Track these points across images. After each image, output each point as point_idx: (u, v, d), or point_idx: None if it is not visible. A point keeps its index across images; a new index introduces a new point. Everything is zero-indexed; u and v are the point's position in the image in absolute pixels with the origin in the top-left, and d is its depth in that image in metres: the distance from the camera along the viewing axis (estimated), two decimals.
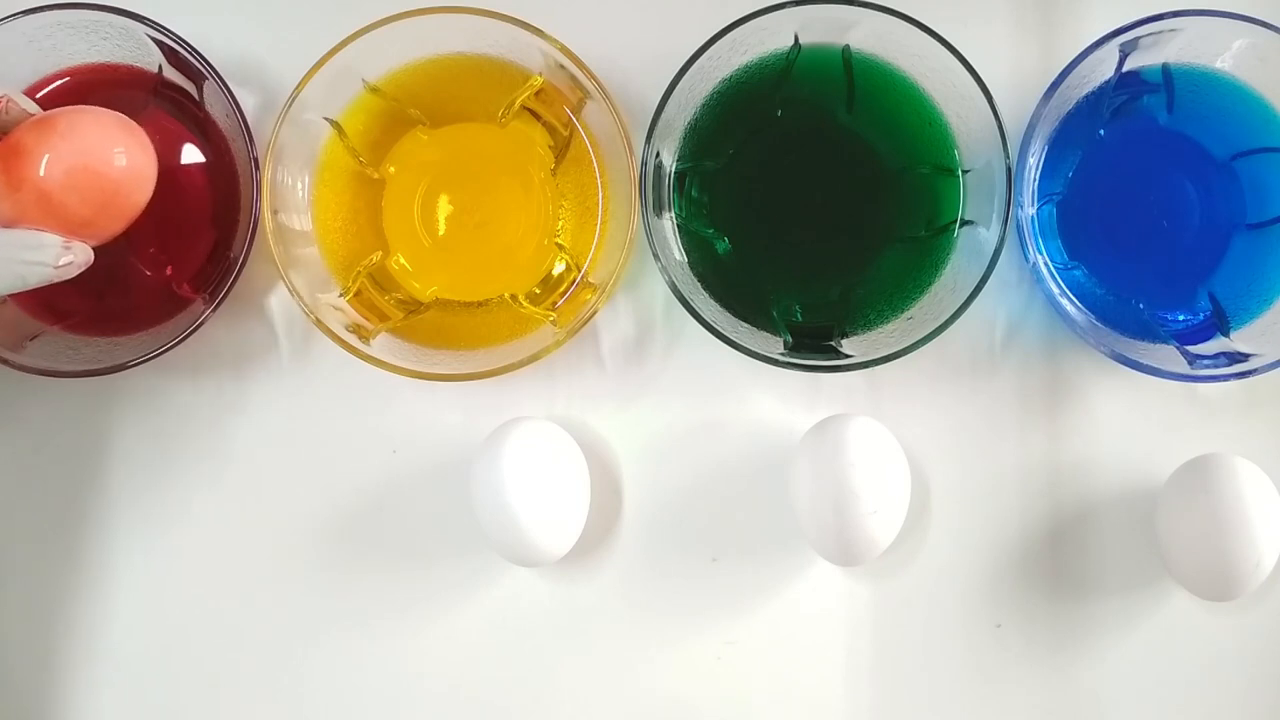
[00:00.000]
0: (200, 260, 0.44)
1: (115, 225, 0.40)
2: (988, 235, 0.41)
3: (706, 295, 0.44)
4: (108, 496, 0.45)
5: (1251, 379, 0.42)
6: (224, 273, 0.43)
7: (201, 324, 0.42)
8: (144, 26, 0.42)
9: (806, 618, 0.45)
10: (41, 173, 0.38)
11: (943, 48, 0.41)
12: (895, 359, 0.41)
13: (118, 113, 0.40)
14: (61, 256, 0.39)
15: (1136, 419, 0.45)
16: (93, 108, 0.40)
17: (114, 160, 0.39)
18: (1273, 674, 0.45)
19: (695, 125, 0.44)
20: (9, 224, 0.38)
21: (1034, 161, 0.44)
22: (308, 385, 0.46)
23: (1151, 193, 0.44)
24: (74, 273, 0.39)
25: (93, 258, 0.40)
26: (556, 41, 0.42)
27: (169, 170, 0.44)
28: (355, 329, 0.43)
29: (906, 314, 0.44)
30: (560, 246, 0.45)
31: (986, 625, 0.45)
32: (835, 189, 0.44)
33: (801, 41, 0.43)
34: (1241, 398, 0.45)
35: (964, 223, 0.43)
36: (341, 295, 0.44)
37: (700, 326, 0.41)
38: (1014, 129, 0.42)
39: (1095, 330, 0.43)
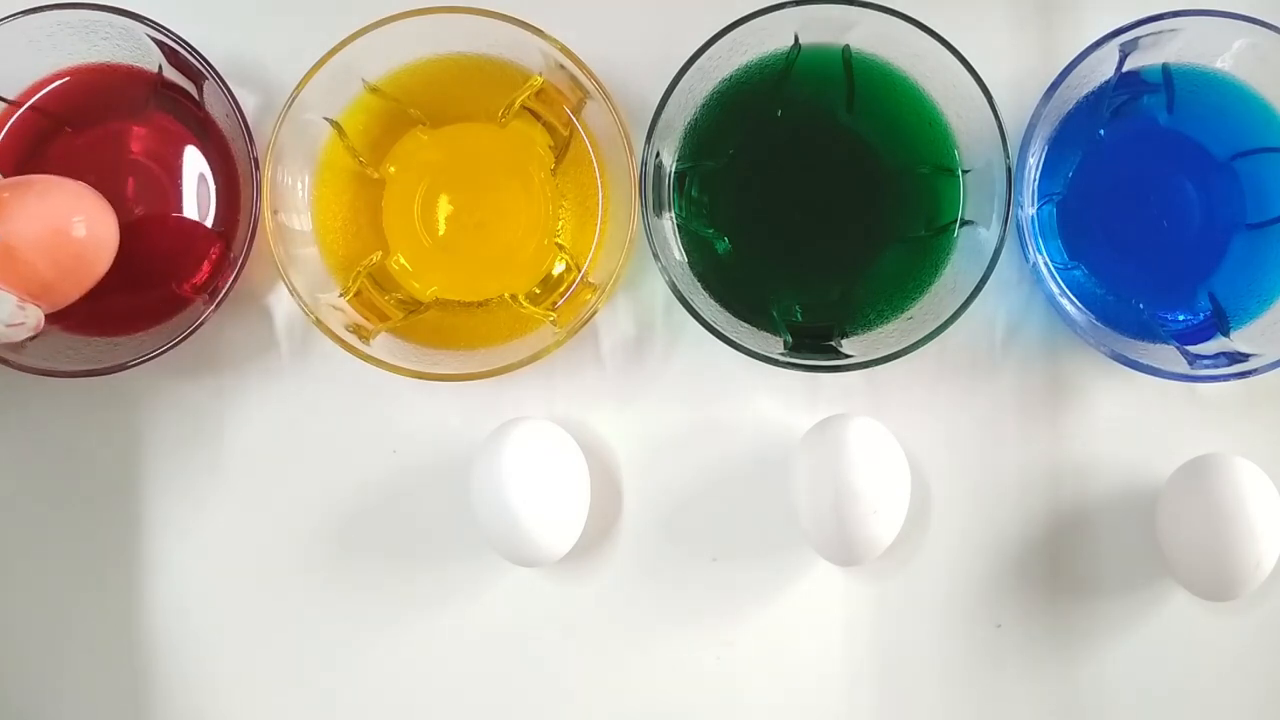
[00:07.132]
0: (200, 260, 0.44)
1: (74, 292, 0.40)
2: (988, 235, 0.41)
3: (706, 295, 0.44)
4: (107, 497, 0.45)
5: (1251, 379, 0.42)
6: (224, 273, 0.43)
7: (201, 324, 0.42)
8: (144, 26, 0.42)
9: (806, 618, 0.45)
10: (11, 230, 0.38)
11: (943, 48, 0.41)
12: (895, 359, 0.41)
13: (84, 183, 0.41)
14: (15, 315, 0.38)
15: (1136, 419, 0.45)
16: (62, 178, 0.41)
17: (81, 228, 0.40)
18: (1273, 674, 0.45)
19: (695, 125, 0.44)
20: None
21: (1034, 161, 0.44)
22: (308, 385, 0.46)
23: (1151, 193, 0.44)
24: (22, 335, 0.39)
25: (43, 323, 0.40)
26: (556, 41, 0.42)
27: (169, 170, 0.44)
28: (355, 329, 0.43)
29: (906, 314, 0.44)
30: (560, 246, 0.45)
31: (986, 625, 0.45)
32: (835, 189, 0.44)
33: (801, 41, 0.43)
34: (1241, 398, 0.45)
35: (964, 223, 0.43)
36: (341, 295, 0.44)
37: (700, 326, 0.41)
38: (1014, 129, 0.42)
39: (1095, 330, 0.43)
